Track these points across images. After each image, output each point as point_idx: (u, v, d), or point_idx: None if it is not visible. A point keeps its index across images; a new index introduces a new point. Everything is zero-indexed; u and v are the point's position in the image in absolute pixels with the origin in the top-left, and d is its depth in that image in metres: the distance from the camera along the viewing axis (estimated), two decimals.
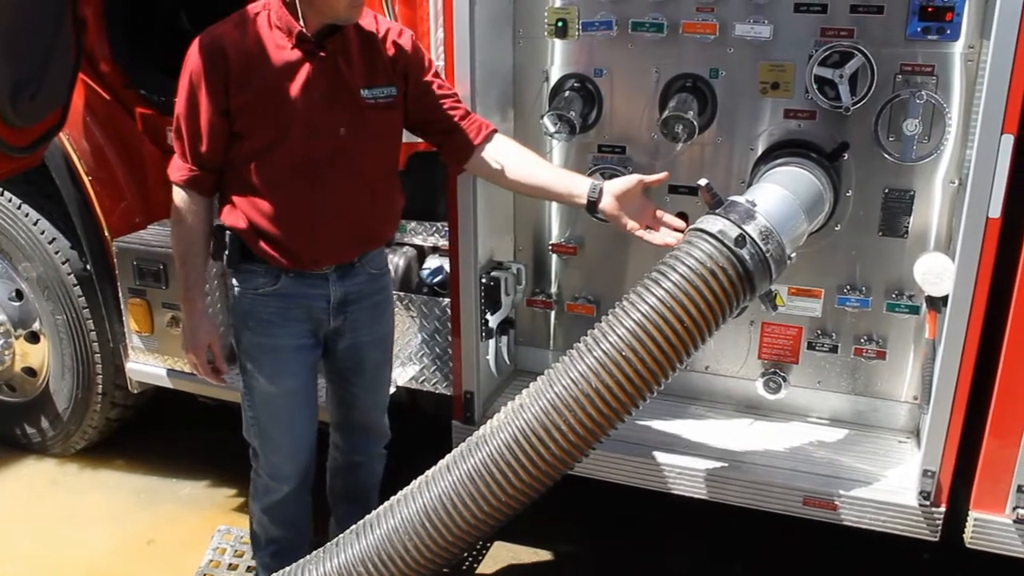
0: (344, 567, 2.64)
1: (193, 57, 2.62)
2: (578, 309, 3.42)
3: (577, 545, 3.82)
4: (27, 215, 4.01)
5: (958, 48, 2.76)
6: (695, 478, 3.03)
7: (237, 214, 2.73)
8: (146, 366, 3.93)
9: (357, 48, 2.70)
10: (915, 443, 3.10)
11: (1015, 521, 2.72)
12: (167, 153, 2.86)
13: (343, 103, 2.67)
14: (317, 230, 2.72)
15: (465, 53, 2.94)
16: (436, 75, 2.85)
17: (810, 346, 3.20)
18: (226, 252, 2.78)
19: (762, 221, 2.48)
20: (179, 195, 2.76)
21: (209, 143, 2.66)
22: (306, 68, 2.62)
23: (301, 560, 2.79)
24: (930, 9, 2.72)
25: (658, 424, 3.23)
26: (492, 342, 3.33)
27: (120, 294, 3.87)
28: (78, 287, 3.99)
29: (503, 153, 2.84)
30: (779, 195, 2.62)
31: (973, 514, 2.77)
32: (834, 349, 3.17)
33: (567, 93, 3.14)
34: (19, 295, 4.18)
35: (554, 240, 3.43)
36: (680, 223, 2.77)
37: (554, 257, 3.47)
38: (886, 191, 2.96)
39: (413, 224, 3.52)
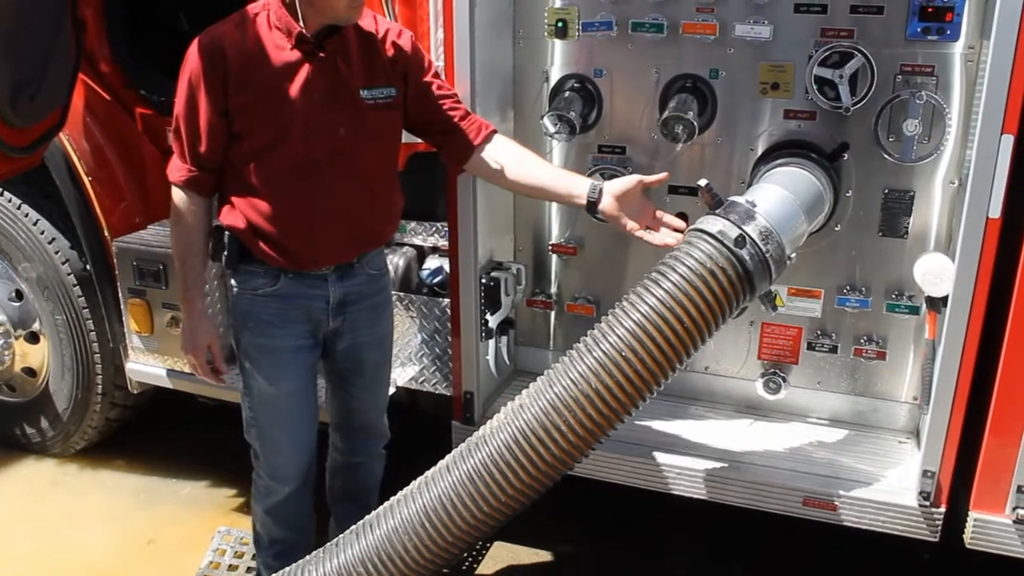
0: (344, 567, 2.64)
1: (192, 57, 2.62)
2: (578, 309, 3.42)
3: (577, 545, 3.82)
4: (27, 215, 4.01)
5: (958, 48, 2.76)
6: (695, 478, 3.03)
7: (236, 214, 2.73)
8: (146, 366, 3.93)
9: (356, 49, 2.70)
10: (915, 443, 3.10)
11: (1015, 521, 2.72)
12: (167, 153, 2.86)
13: (342, 104, 2.67)
14: (316, 230, 2.72)
15: (465, 53, 2.94)
16: (436, 76, 2.85)
17: (810, 346, 3.20)
18: (225, 253, 2.78)
19: (762, 221, 2.48)
20: (178, 195, 2.75)
21: (208, 143, 2.66)
22: (305, 69, 2.62)
23: (301, 560, 2.79)
24: (930, 9, 2.72)
25: (658, 424, 3.23)
26: (492, 342, 3.33)
27: (120, 294, 3.87)
28: (78, 287, 4.00)
29: (503, 153, 2.84)
30: (779, 195, 2.62)
31: (973, 514, 2.77)
32: (834, 349, 3.17)
33: (567, 93, 3.14)
34: (19, 295, 4.18)
35: (554, 240, 3.43)
36: (680, 223, 2.77)
37: (554, 257, 3.46)
38: (886, 191, 2.96)
39: (413, 224, 3.52)
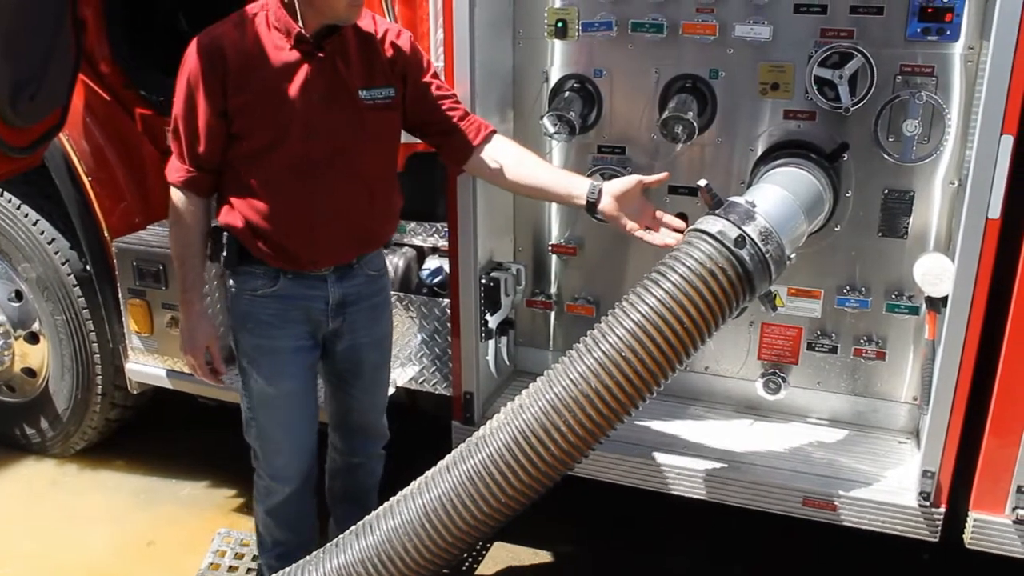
0: (344, 568, 2.64)
1: (191, 58, 2.61)
2: (578, 310, 3.42)
3: (577, 546, 3.82)
4: (27, 216, 4.01)
5: (958, 49, 2.76)
6: (695, 478, 3.03)
7: (235, 215, 2.73)
8: (145, 367, 3.93)
9: (355, 49, 2.69)
10: (915, 444, 3.10)
11: (1015, 522, 2.72)
12: (166, 154, 2.86)
13: (341, 104, 2.66)
14: (316, 231, 2.72)
15: (465, 54, 2.94)
16: (435, 76, 2.85)
17: (810, 347, 3.20)
18: (224, 253, 2.78)
19: (762, 222, 2.48)
20: (177, 196, 2.75)
21: (207, 144, 2.65)
22: (304, 69, 2.62)
23: (301, 561, 2.79)
24: (930, 10, 2.72)
25: (658, 425, 3.23)
26: (492, 343, 3.33)
27: (120, 295, 3.87)
28: (78, 288, 3.99)
29: (502, 154, 2.84)
30: (779, 196, 2.63)
31: (973, 515, 2.77)
32: (834, 350, 3.17)
33: (567, 94, 3.14)
34: (19, 296, 4.18)
35: (554, 241, 3.43)
36: (680, 223, 2.77)
37: (554, 258, 3.47)
38: (886, 192, 2.96)
39: (413, 225, 3.53)
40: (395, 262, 3.56)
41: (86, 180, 3.85)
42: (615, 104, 3.17)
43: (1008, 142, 2.45)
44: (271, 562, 3.11)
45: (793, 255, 2.58)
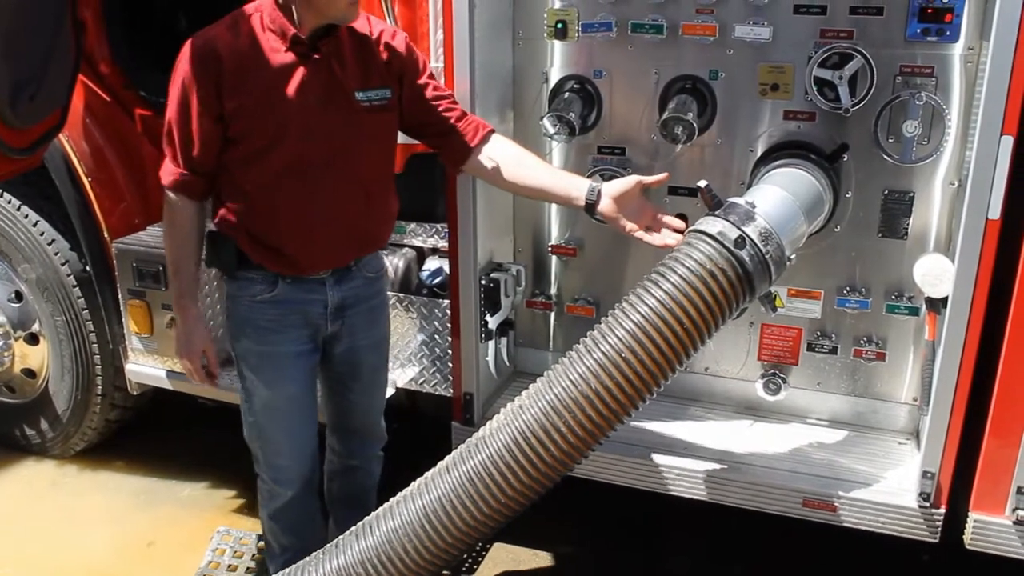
0: (344, 568, 2.64)
1: (185, 61, 2.59)
2: (578, 310, 3.42)
3: (577, 546, 3.82)
4: (26, 216, 4.01)
5: (958, 49, 2.75)
6: (695, 479, 3.03)
7: (233, 220, 2.72)
8: (145, 367, 3.93)
9: (351, 50, 2.68)
10: (915, 444, 3.10)
11: (1015, 522, 2.72)
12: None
13: (338, 105, 2.65)
14: (315, 233, 2.71)
15: (465, 54, 2.94)
16: (431, 77, 2.84)
17: (810, 347, 3.20)
18: (222, 259, 2.77)
19: (761, 223, 2.48)
20: (171, 200, 2.74)
21: (202, 147, 2.64)
22: (300, 71, 2.61)
23: (301, 562, 2.79)
24: (930, 10, 2.72)
25: (658, 426, 3.23)
26: (492, 343, 3.33)
27: (119, 295, 3.87)
28: (77, 288, 3.99)
29: (501, 155, 2.83)
30: (779, 196, 2.63)
31: (973, 515, 2.76)
32: (834, 350, 3.17)
33: (567, 94, 3.14)
34: (19, 296, 4.18)
35: (554, 241, 3.43)
36: (680, 224, 2.77)
37: (554, 258, 3.46)
38: (886, 192, 2.96)
39: (412, 225, 3.53)
40: (395, 263, 3.56)
41: (86, 181, 3.85)
42: (615, 105, 3.17)
43: (1008, 143, 2.45)
44: (279, 567, 3.09)
45: (793, 256, 2.58)
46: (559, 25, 3.04)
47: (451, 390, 3.39)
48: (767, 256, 2.46)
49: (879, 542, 2.98)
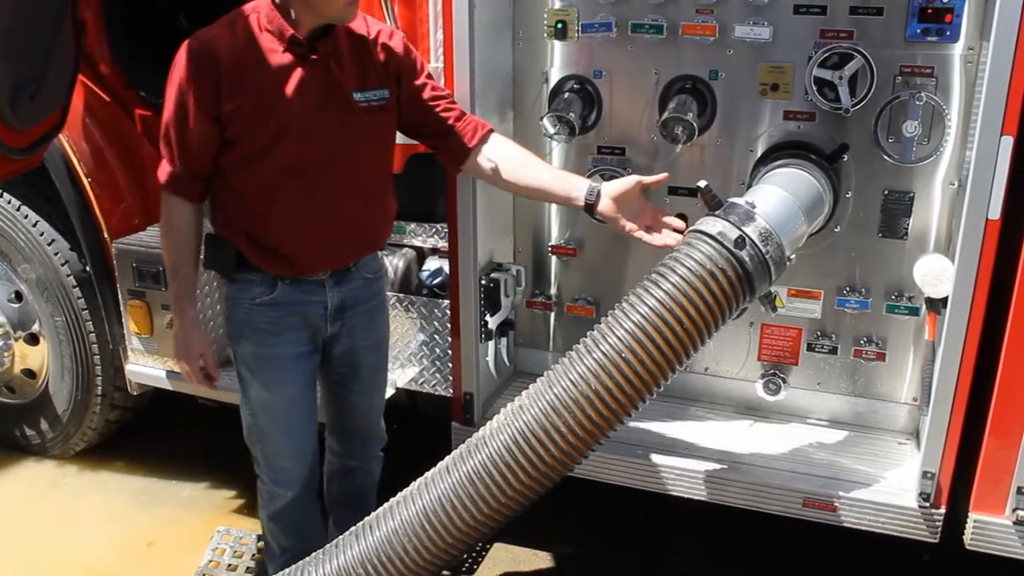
0: (344, 568, 2.64)
1: (182, 62, 2.58)
2: (578, 310, 3.42)
3: (576, 546, 3.82)
4: (26, 217, 4.01)
5: (958, 50, 2.75)
6: (695, 480, 3.03)
7: (232, 223, 2.71)
8: (145, 368, 3.93)
9: (348, 51, 2.67)
10: (915, 444, 3.10)
11: (1015, 523, 2.72)
12: None
13: (336, 106, 2.64)
14: (314, 234, 2.71)
15: (465, 55, 2.94)
16: (429, 77, 2.83)
17: (810, 347, 3.20)
18: (221, 262, 2.77)
19: (761, 223, 2.48)
20: (169, 203, 2.74)
21: (199, 150, 2.63)
22: (298, 72, 2.60)
23: (301, 562, 2.79)
24: (930, 11, 2.72)
25: (658, 426, 3.23)
26: (492, 344, 3.33)
27: (119, 296, 3.87)
28: (77, 289, 3.99)
29: (500, 155, 2.83)
30: (779, 197, 2.62)
31: (973, 516, 2.77)
32: (834, 351, 3.17)
33: (567, 95, 3.14)
34: (18, 297, 4.18)
35: (554, 241, 3.43)
36: (680, 224, 2.77)
37: (554, 258, 3.46)
38: (886, 192, 2.96)
39: (412, 226, 3.52)
40: (395, 263, 3.56)
41: (86, 181, 3.85)
42: (615, 105, 3.17)
43: (1008, 143, 2.45)
44: (279, 568, 3.09)
45: (793, 256, 2.58)
46: (559, 25, 3.04)
47: (451, 390, 3.39)
48: (767, 256, 2.46)
49: (879, 542, 2.98)
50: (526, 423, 2.47)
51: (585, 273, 3.43)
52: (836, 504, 2.89)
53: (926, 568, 3.42)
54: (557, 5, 3.09)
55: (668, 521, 3.76)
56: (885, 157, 2.88)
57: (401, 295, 3.50)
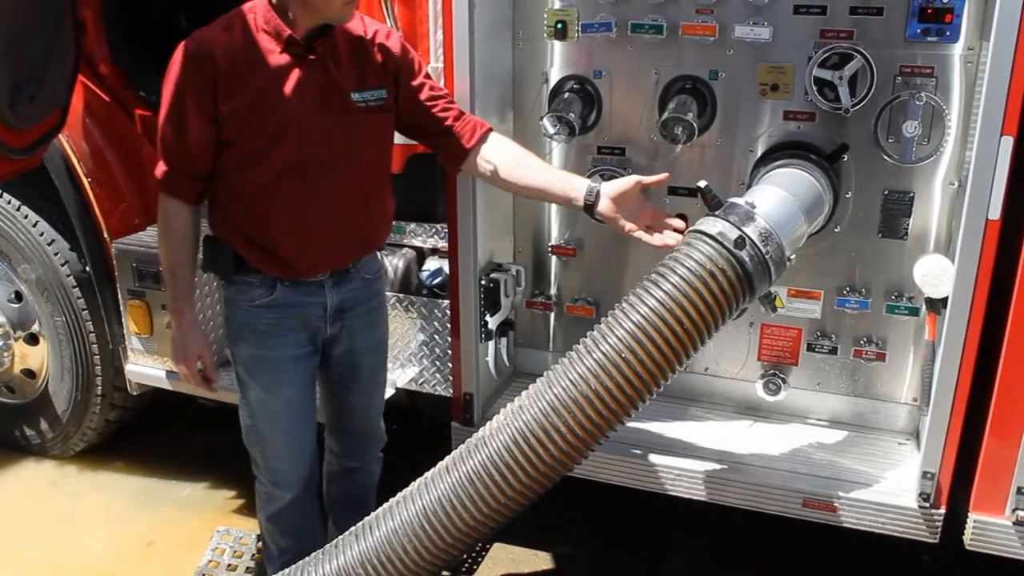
0: (343, 569, 2.64)
1: (179, 63, 2.57)
2: (577, 311, 3.42)
3: (576, 546, 3.82)
4: (26, 217, 4.01)
5: (957, 50, 2.75)
6: (694, 480, 3.03)
7: (231, 224, 2.71)
8: (145, 368, 3.93)
9: (346, 51, 2.66)
10: (915, 445, 3.10)
11: (1015, 523, 2.72)
12: None
13: (334, 106, 2.64)
14: (314, 235, 2.70)
15: (464, 55, 2.94)
16: (427, 77, 2.82)
17: (810, 348, 3.20)
18: (219, 264, 2.76)
19: (761, 223, 2.48)
20: (166, 205, 2.72)
21: (197, 151, 2.62)
22: (296, 72, 2.59)
23: (300, 562, 2.79)
24: (930, 11, 2.72)
25: (658, 426, 3.23)
26: (491, 344, 3.33)
27: (119, 296, 3.87)
28: (77, 289, 3.99)
29: (499, 155, 2.82)
30: (778, 197, 2.62)
31: (973, 516, 2.76)
32: (834, 351, 3.17)
33: (566, 95, 3.14)
34: (18, 297, 4.18)
35: (554, 242, 3.43)
36: (679, 224, 2.77)
37: (554, 259, 3.46)
38: (885, 193, 2.96)
39: (412, 226, 3.52)
40: (395, 263, 3.56)
41: (86, 181, 3.85)
42: (615, 105, 3.17)
43: (1008, 143, 2.45)
44: (278, 569, 3.09)
45: (793, 256, 2.58)
46: (559, 25, 3.04)
47: (451, 390, 3.39)
48: (767, 256, 2.46)
49: (879, 542, 2.98)
50: (526, 423, 2.47)
51: (585, 273, 3.43)
52: (836, 504, 2.89)
53: (926, 568, 3.42)
54: (557, 5, 3.09)
55: (668, 521, 3.76)
56: (885, 157, 2.88)
57: (401, 295, 3.50)
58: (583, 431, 2.45)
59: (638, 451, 3.10)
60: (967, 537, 2.79)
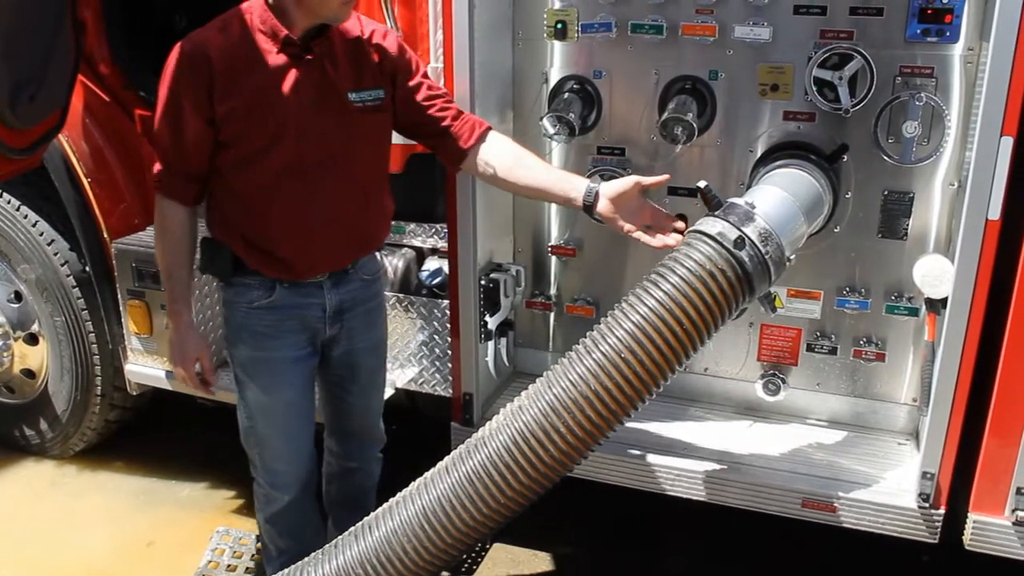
0: (343, 569, 2.64)
1: (175, 64, 2.55)
2: (577, 311, 3.42)
3: (576, 546, 3.82)
4: (26, 217, 4.01)
5: (957, 50, 2.76)
6: (694, 480, 3.03)
7: (229, 226, 2.70)
8: (145, 368, 3.93)
9: (343, 51, 2.65)
10: (914, 445, 3.10)
11: (1014, 523, 2.72)
12: None
13: (331, 107, 2.63)
14: (313, 235, 2.69)
15: (464, 55, 2.94)
16: (425, 76, 2.81)
17: (809, 348, 3.20)
18: (217, 266, 2.74)
19: (761, 223, 2.48)
20: (163, 207, 2.71)
21: (194, 153, 2.61)
22: (293, 72, 2.58)
23: (300, 562, 2.78)
24: (929, 11, 2.72)
25: (657, 426, 3.23)
26: (491, 344, 3.33)
27: (119, 296, 3.86)
28: (77, 289, 3.99)
29: (498, 154, 2.81)
30: (778, 197, 2.62)
31: (972, 516, 2.77)
32: (833, 351, 3.17)
33: (566, 95, 3.14)
34: (18, 297, 4.18)
35: (553, 242, 3.43)
36: (679, 224, 2.76)
37: (553, 259, 3.46)
38: (885, 193, 2.96)
39: (412, 226, 3.52)
40: (394, 263, 3.56)
41: (85, 181, 3.85)
42: (615, 105, 3.17)
43: (1008, 143, 2.45)
44: (277, 569, 3.08)
45: (793, 256, 2.58)
46: (559, 25, 3.04)
47: (450, 390, 3.39)
48: (767, 257, 2.46)
49: (879, 543, 2.98)
50: (525, 423, 2.47)
51: (585, 273, 3.43)
52: (835, 504, 2.89)
53: (926, 568, 3.42)
54: (557, 5, 3.09)
55: (667, 521, 3.76)
56: (885, 157, 2.88)
57: (401, 295, 3.50)
58: (583, 431, 2.45)
59: (638, 451, 3.10)
60: (967, 537, 2.79)
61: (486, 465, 2.49)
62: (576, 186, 2.76)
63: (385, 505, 2.67)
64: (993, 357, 2.64)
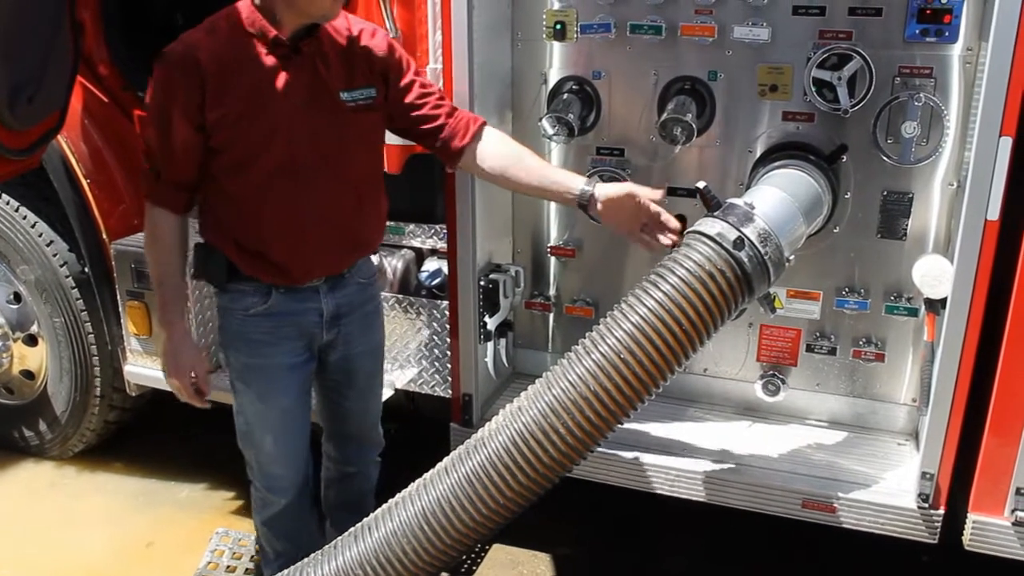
0: (342, 570, 2.63)
1: (164, 69, 2.52)
2: (577, 311, 3.42)
3: (575, 547, 3.81)
4: (25, 218, 4.01)
5: (956, 50, 2.75)
6: (694, 481, 3.03)
7: (223, 232, 2.67)
8: (144, 369, 3.92)
9: (332, 51, 2.62)
10: (914, 445, 3.10)
11: (1014, 523, 2.72)
12: None
13: (323, 106, 2.60)
14: (308, 237, 2.66)
15: (463, 55, 2.94)
16: (416, 74, 2.78)
17: (809, 348, 3.20)
18: (211, 272, 2.71)
19: (760, 224, 2.48)
20: (153, 215, 2.66)
21: (185, 160, 2.57)
22: (283, 73, 2.55)
23: (299, 563, 2.78)
24: (928, 11, 2.72)
25: (657, 427, 3.23)
26: (490, 344, 3.33)
27: (118, 297, 3.86)
28: (76, 290, 3.99)
29: (495, 152, 2.79)
30: (777, 197, 2.62)
31: (972, 516, 2.76)
32: (833, 351, 3.17)
33: (565, 95, 3.14)
34: (17, 298, 4.18)
35: (553, 242, 3.43)
36: (678, 225, 2.76)
37: (552, 259, 3.46)
38: (884, 193, 2.96)
39: (411, 227, 3.51)
40: (394, 264, 3.55)
41: (84, 182, 3.84)
42: (614, 106, 3.17)
43: (1007, 143, 2.45)
44: (275, 572, 3.08)
45: (792, 257, 2.58)
46: (558, 26, 3.04)
47: (450, 391, 3.39)
48: (766, 257, 2.46)
49: (878, 543, 2.98)
50: (525, 424, 2.47)
51: (584, 274, 3.43)
52: (835, 505, 2.89)
53: (925, 569, 3.42)
54: (556, 6, 3.09)
55: (666, 522, 3.76)
56: (884, 158, 2.88)
57: (400, 296, 3.50)
58: (582, 432, 2.44)
59: (637, 452, 3.10)
60: (966, 537, 2.79)
61: (485, 466, 2.49)
62: (572, 186, 2.73)
63: (385, 506, 2.67)
64: (992, 357, 2.64)
